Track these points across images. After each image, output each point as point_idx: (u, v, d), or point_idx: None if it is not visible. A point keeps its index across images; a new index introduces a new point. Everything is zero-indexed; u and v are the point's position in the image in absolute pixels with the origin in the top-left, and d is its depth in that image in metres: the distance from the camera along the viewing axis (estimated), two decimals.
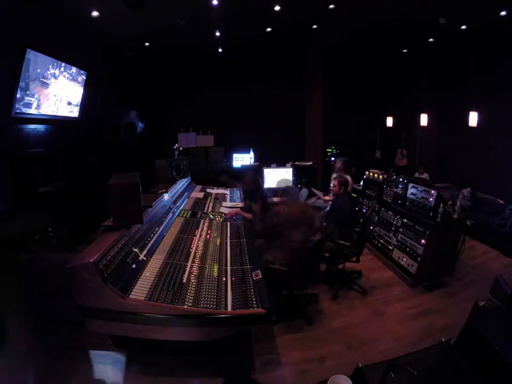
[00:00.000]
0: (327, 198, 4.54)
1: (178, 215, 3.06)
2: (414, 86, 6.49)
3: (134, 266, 1.93)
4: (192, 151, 5.97)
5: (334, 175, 4.56)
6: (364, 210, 4.50)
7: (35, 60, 3.36)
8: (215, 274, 2.06)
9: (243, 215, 3.27)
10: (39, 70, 3.47)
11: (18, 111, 3.27)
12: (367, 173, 4.56)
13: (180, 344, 1.81)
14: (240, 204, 3.70)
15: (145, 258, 2.07)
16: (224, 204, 3.73)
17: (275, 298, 2.69)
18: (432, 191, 3.26)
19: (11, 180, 3.21)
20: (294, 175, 5.15)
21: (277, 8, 3.96)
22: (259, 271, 2.08)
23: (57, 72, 3.81)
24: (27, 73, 3.29)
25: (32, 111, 3.51)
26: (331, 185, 3.74)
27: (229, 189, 4.42)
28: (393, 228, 3.76)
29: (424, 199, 3.34)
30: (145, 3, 3.35)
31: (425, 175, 5.43)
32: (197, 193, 3.98)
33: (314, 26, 4.91)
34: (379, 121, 6.80)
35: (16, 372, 2.04)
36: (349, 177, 4.29)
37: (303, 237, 2.39)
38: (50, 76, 3.70)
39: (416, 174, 5.53)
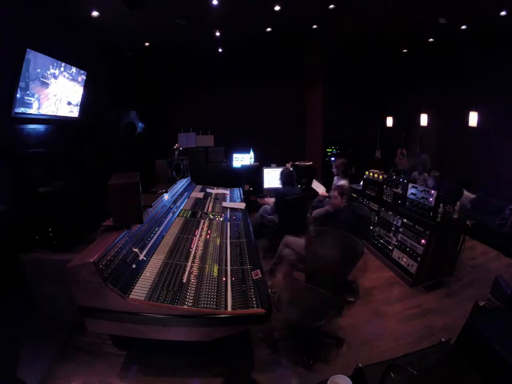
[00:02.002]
0: (325, 194, 4.53)
1: (178, 215, 3.06)
2: (414, 86, 6.48)
3: (134, 266, 1.93)
4: (192, 151, 5.97)
5: (335, 179, 4.48)
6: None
7: (35, 60, 3.36)
8: (215, 274, 2.06)
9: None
10: (39, 70, 3.47)
11: (18, 111, 3.27)
12: (367, 173, 4.55)
13: (180, 344, 1.81)
14: (241, 205, 3.71)
15: (145, 258, 2.07)
16: (224, 204, 3.74)
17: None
18: (432, 191, 3.27)
19: (11, 180, 3.21)
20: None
21: (277, 8, 3.96)
22: (258, 270, 2.08)
23: (57, 72, 3.81)
24: (27, 73, 3.29)
25: (32, 111, 3.51)
26: (331, 193, 3.48)
27: (228, 189, 4.42)
28: (393, 228, 3.76)
29: (424, 199, 3.34)
30: (145, 3, 3.35)
31: (424, 175, 5.39)
32: (197, 193, 3.99)
33: (314, 26, 4.91)
34: (379, 121, 6.80)
35: (17, 372, 2.04)
36: (345, 182, 4.15)
37: None
38: (50, 76, 3.70)
39: (415, 174, 5.49)
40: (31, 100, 3.44)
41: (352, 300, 3.02)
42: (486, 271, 3.52)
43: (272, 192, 4.51)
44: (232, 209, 3.53)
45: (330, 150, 6.85)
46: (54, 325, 2.46)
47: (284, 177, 3.96)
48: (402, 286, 3.31)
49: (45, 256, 2.63)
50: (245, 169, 5.86)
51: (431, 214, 3.22)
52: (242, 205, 3.69)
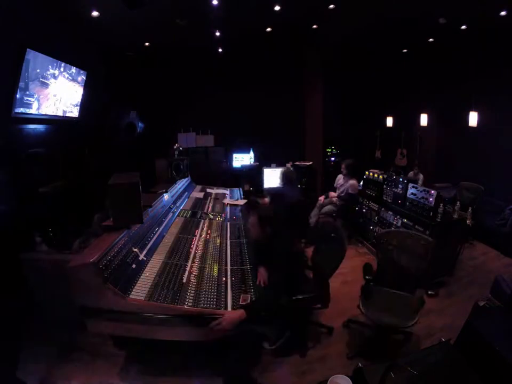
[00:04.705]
0: (334, 195, 4.67)
1: (178, 215, 3.06)
2: (414, 86, 6.48)
3: (134, 266, 1.93)
4: (192, 151, 5.96)
5: (340, 177, 4.70)
6: (364, 211, 4.51)
7: (35, 60, 3.36)
8: (215, 274, 2.06)
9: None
10: (38, 70, 3.47)
11: (18, 111, 3.27)
12: (367, 173, 4.56)
13: (180, 344, 1.81)
14: (241, 202, 3.73)
15: (145, 258, 2.07)
16: (225, 200, 3.77)
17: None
18: (432, 191, 3.27)
19: (11, 180, 3.21)
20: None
21: (277, 8, 3.96)
22: (248, 296, 1.89)
23: (57, 72, 3.81)
24: (27, 74, 3.29)
25: (32, 111, 3.50)
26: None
27: (228, 189, 4.43)
28: (393, 228, 3.76)
29: (424, 199, 3.34)
30: (145, 3, 3.35)
31: (420, 177, 5.39)
32: (197, 193, 3.99)
33: (314, 26, 4.91)
34: (379, 121, 6.80)
35: (17, 372, 2.04)
36: (355, 182, 4.45)
37: None
38: (50, 76, 3.69)
39: (411, 174, 5.49)
40: (30, 100, 3.44)
41: (433, 293, 3.09)
42: (486, 271, 3.52)
43: (270, 191, 4.52)
44: (232, 208, 3.54)
45: (330, 150, 6.85)
46: (54, 325, 2.46)
47: (284, 177, 4.05)
48: None
49: (45, 256, 2.63)
50: (245, 169, 5.86)
51: (431, 214, 3.23)
52: (242, 202, 3.73)
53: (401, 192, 3.74)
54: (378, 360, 2.15)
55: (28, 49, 3.22)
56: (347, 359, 2.31)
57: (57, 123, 4.09)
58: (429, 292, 3.06)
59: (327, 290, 2.31)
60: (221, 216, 3.22)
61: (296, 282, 2.27)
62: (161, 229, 2.56)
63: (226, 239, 2.66)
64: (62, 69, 3.90)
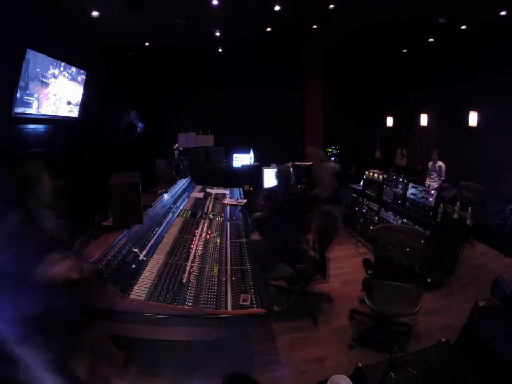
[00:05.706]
0: None
1: (178, 215, 3.06)
2: (414, 86, 6.48)
3: (134, 266, 1.93)
4: (192, 151, 5.96)
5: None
6: (364, 211, 4.51)
7: (35, 59, 3.36)
8: (215, 274, 2.06)
9: None
10: (38, 70, 3.47)
11: (18, 111, 3.27)
12: (367, 173, 4.56)
13: (180, 344, 1.81)
14: (242, 202, 3.72)
15: (145, 258, 2.07)
16: (225, 200, 3.76)
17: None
18: (432, 191, 3.27)
19: (11, 180, 3.21)
20: (294, 175, 5.14)
21: (277, 8, 3.96)
22: (248, 295, 1.85)
23: (56, 71, 3.81)
24: (27, 73, 3.29)
25: (32, 110, 3.50)
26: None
27: (228, 189, 4.42)
28: None
29: (424, 199, 3.35)
30: (145, 3, 3.35)
31: (439, 164, 5.36)
32: (197, 193, 3.98)
33: (314, 26, 4.91)
34: (379, 121, 6.80)
35: (16, 373, 2.04)
36: None
37: None
38: (50, 76, 3.70)
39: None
40: (30, 100, 3.44)
41: (432, 280, 3.15)
42: (486, 271, 3.52)
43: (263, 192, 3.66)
44: (232, 208, 3.53)
45: (330, 150, 6.85)
46: (54, 325, 2.46)
47: (280, 175, 3.45)
48: None
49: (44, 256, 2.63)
50: (245, 169, 5.86)
51: (431, 214, 3.23)
52: (243, 201, 3.72)
53: (401, 192, 3.75)
54: (380, 354, 2.17)
55: (28, 49, 3.22)
56: (348, 356, 2.32)
57: (57, 123, 4.09)
58: (429, 280, 3.05)
59: (325, 263, 2.76)
60: (221, 216, 3.21)
61: (297, 254, 2.86)
62: (161, 229, 2.56)
63: (226, 239, 2.66)
64: (62, 69, 3.90)
